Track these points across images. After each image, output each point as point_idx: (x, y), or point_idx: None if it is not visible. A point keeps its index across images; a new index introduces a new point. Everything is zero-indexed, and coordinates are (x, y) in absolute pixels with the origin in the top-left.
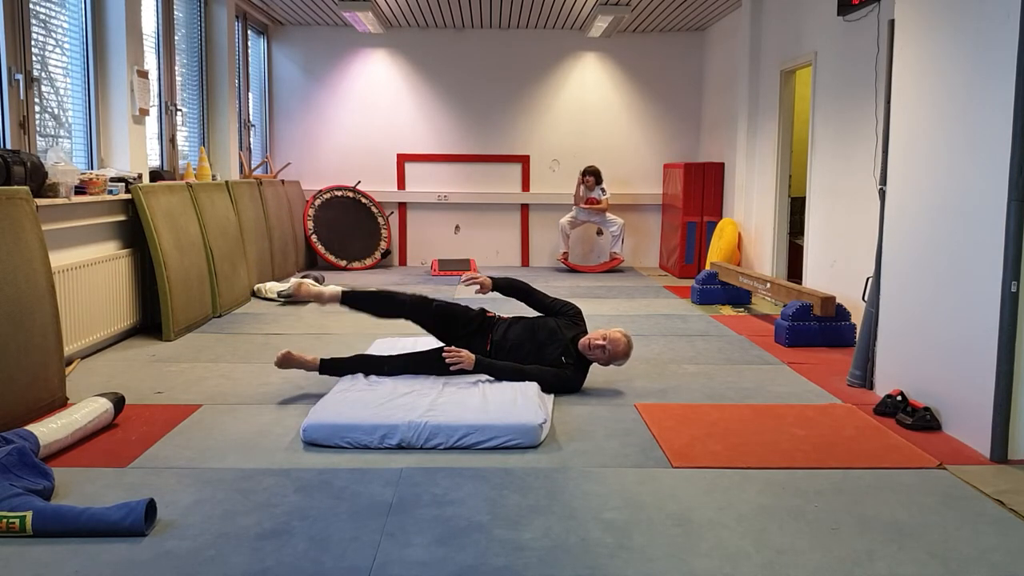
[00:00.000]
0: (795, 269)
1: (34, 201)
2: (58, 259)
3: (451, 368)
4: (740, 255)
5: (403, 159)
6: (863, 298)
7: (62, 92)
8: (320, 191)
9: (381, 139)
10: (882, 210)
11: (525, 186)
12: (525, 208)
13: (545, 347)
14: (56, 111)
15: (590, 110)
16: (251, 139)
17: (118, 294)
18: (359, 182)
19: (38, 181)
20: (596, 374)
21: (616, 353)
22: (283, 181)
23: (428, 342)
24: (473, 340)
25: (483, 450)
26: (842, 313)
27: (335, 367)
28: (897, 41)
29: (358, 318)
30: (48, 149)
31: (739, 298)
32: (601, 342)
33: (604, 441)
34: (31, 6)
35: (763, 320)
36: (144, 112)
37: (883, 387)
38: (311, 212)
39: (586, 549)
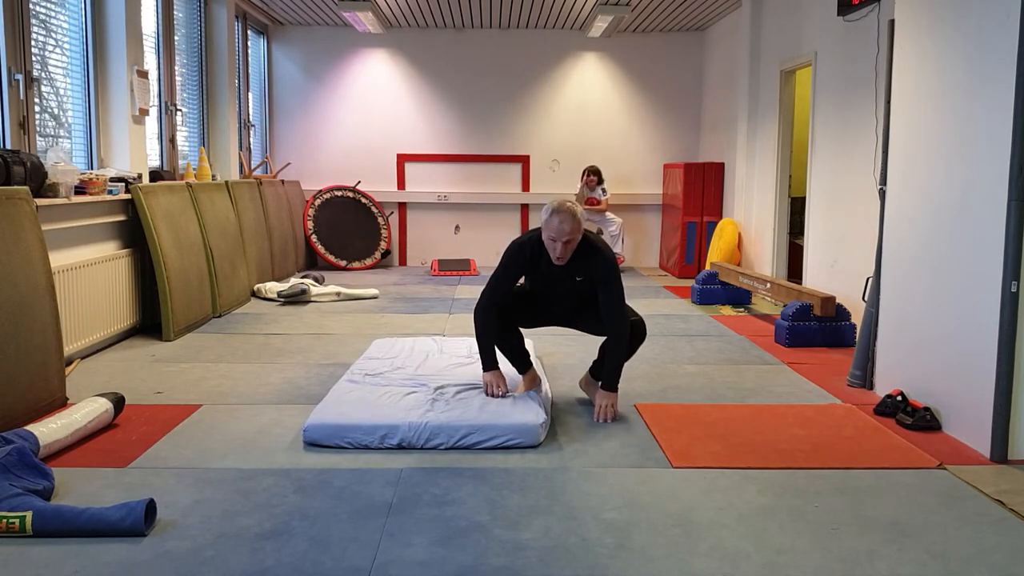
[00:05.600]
0: (795, 269)
1: (34, 201)
2: (58, 259)
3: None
4: (740, 255)
5: (403, 159)
6: (863, 298)
7: (62, 92)
8: (320, 191)
9: (381, 139)
10: (882, 210)
11: (525, 186)
12: (525, 208)
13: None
14: (56, 111)
15: (590, 110)
16: (251, 139)
17: (118, 294)
18: (359, 182)
19: (38, 181)
20: None
21: (573, 234)
22: (283, 181)
23: (425, 343)
24: (547, 307)
25: (483, 450)
26: (842, 313)
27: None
28: (897, 41)
29: (356, 318)
30: (48, 149)
31: (739, 298)
32: (556, 244)
33: (604, 441)
34: (31, 6)
35: (763, 320)
36: (144, 112)
37: (883, 387)
38: (311, 212)
39: (586, 549)
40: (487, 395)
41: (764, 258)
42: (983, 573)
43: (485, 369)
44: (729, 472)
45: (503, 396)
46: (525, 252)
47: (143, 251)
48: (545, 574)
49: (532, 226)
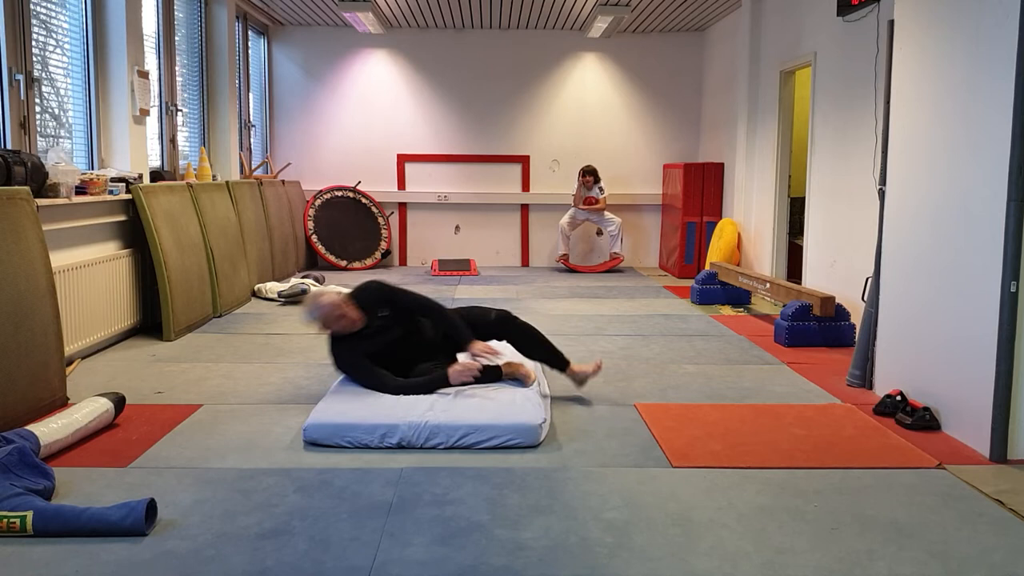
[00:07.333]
0: (795, 269)
1: (34, 201)
2: (58, 259)
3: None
4: (740, 255)
5: (403, 159)
6: (863, 298)
7: (62, 92)
8: (320, 191)
9: (381, 139)
10: (882, 210)
11: (525, 186)
12: (525, 208)
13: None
14: (56, 111)
15: (590, 110)
16: (251, 139)
17: (118, 294)
18: (359, 182)
19: (39, 181)
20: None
21: (336, 308)
22: (283, 181)
23: None
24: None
25: (483, 450)
26: (842, 313)
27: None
28: (897, 41)
29: None
30: (49, 149)
31: (739, 298)
32: (341, 322)
33: (604, 441)
34: (31, 6)
35: (763, 320)
36: (144, 112)
37: (883, 387)
38: (311, 212)
39: (586, 549)
40: (477, 361)
41: (764, 258)
42: (982, 573)
43: (448, 368)
44: (729, 472)
45: (493, 360)
46: (349, 339)
47: (143, 251)
48: (545, 574)
49: (531, 226)
